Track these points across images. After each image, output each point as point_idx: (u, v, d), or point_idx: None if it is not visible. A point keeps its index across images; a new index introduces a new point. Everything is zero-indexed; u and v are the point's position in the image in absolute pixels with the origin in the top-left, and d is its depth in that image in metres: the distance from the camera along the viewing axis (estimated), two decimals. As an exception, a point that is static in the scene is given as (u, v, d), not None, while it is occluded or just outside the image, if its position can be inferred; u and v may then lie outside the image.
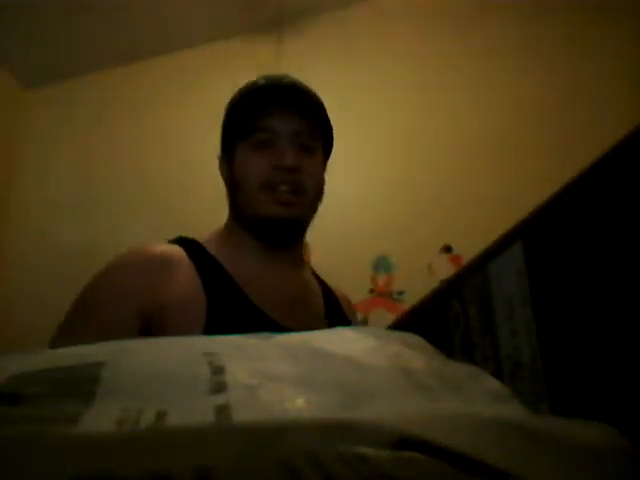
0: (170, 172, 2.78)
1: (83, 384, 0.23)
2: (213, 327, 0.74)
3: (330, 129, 0.93)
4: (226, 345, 0.29)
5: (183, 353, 0.27)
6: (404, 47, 2.63)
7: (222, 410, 0.21)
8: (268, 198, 0.83)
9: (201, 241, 0.87)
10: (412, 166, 2.47)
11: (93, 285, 0.79)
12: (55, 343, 0.72)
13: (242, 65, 2.82)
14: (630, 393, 0.31)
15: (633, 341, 0.31)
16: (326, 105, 0.91)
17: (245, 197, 0.85)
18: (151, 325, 0.74)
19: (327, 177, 0.93)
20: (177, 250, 0.82)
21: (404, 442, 0.19)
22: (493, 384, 0.28)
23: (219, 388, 0.23)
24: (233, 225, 0.89)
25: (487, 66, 2.48)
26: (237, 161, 0.87)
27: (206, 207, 2.56)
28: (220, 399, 0.22)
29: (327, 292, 0.97)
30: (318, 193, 0.89)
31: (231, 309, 0.78)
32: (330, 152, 0.95)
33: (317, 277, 1.00)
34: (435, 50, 2.58)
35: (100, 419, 0.20)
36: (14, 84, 3.06)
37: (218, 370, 0.25)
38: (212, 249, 0.86)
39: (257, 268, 0.86)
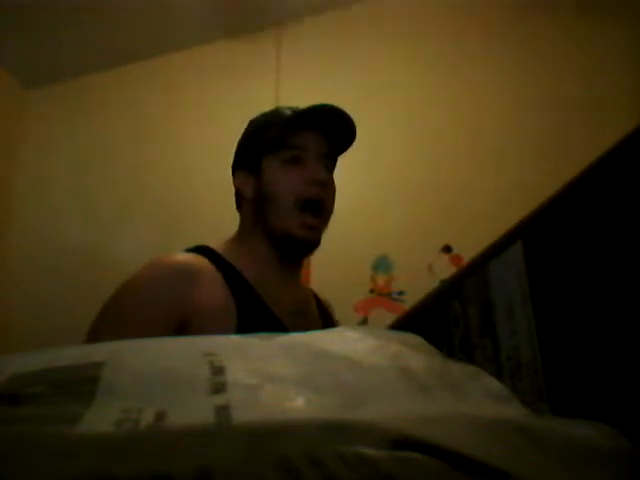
0: (169, 173, 2.77)
1: (83, 384, 0.23)
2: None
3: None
4: (226, 345, 0.29)
5: (183, 353, 0.27)
6: (405, 47, 2.63)
7: (222, 410, 0.21)
8: (298, 220, 0.89)
9: (218, 250, 0.91)
10: (412, 166, 2.47)
11: (125, 295, 0.82)
12: None
13: (242, 65, 2.83)
14: (630, 393, 0.31)
15: (633, 341, 0.31)
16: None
17: (278, 212, 0.90)
18: (183, 332, 0.78)
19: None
20: (202, 260, 0.86)
21: (404, 442, 0.19)
22: (493, 384, 0.29)
23: (219, 388, 0.23)
24: (252, 235, 0.94)
25: (487, 66, 2.48)
26: (267, 175, 0.92)
27: (205, 209, 2.57)
28: (220, 399, 0.22)
29: (318, 302, 1.05)
30: (331, 213, 0.96)
31: (258, 321, 0.84)
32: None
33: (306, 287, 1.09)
34: (435, 50, 2.58)
35: (100, 419, 0.20)
36: (14, 84, 3.05)
37: (218, 370, 0.25)
38: (229, 258, 0.90)
39: (273, 277, 0.92)
